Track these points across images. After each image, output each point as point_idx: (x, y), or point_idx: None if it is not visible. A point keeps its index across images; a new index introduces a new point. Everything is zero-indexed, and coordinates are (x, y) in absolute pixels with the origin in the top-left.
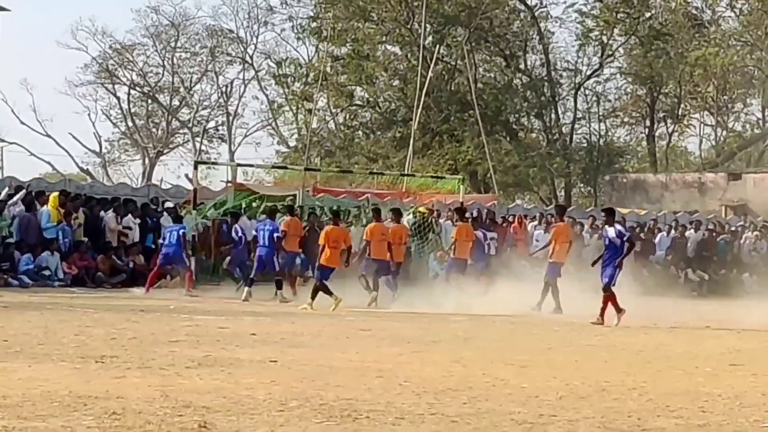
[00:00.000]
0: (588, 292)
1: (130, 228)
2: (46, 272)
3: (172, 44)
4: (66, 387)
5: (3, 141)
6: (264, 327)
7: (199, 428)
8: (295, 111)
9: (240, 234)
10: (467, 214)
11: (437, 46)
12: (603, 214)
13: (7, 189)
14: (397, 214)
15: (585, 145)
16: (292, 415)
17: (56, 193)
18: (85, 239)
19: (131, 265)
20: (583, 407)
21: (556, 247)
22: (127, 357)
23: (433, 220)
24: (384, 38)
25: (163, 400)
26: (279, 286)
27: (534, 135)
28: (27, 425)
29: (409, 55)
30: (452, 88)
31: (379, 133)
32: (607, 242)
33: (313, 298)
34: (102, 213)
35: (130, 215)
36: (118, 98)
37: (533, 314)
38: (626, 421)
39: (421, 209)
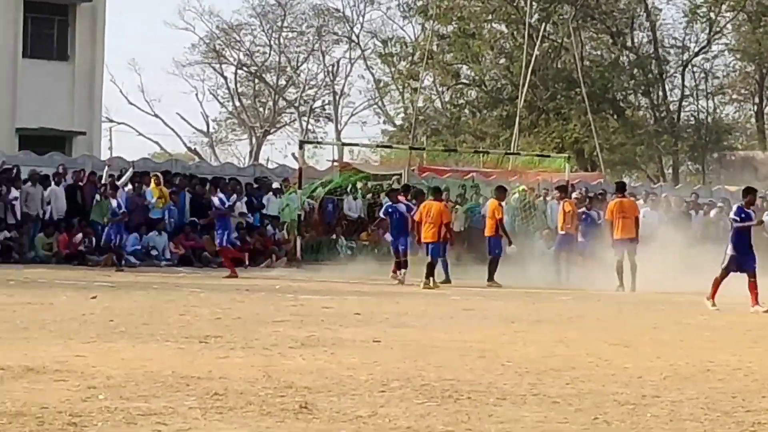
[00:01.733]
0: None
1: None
2: (153, 252)
3: (279, 24)
4: (169, 367)
5: (112, 121)
6: (368, 307)
7: (300, 409)
8: (401, 90)
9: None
10: (575, 194)
11: (543, 24)
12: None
13: (107, 169)
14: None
15: (693, 122)
16: (393, 396)
17: (153, 175)
18: (192, 218)
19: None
20: (686, 388)
21: (618, 224)
22: (231, 337)
23: (536, 198)
24: (490, 16)
25: (265, 381)
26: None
27: (641, 113)
28: (129, 405)
29: (515, 33)
30: (558, 66)
31: (485, 111)
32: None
33: (428, 276)
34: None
35: (235, 195)
36: (225, 78)
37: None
38: (730, 402)
39: (522, 188)
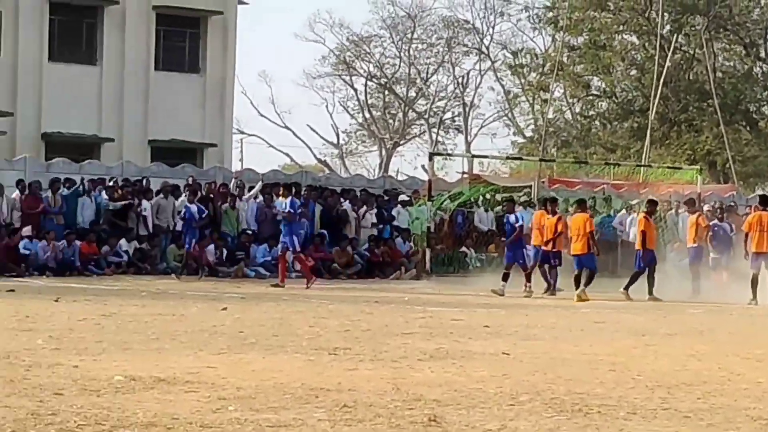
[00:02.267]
0: None
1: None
2: None
3: (409, 35)
4: (298, 379)
5: (243, 133)
6: (497, 319)
7: (429, 422)
8: (531, 101)
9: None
10: (706, 206)
11: (675, 35)
12: None
13: (234, 181)
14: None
15: None
16: (522, 409)
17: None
18: (323, 231)
19: (367, 256)
20: None
21: (756, 238)
22: (360, 349)
23: (668, 211)
24: (621, 27)
25: (394, 393)
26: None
27: None
28: (259, 417)
29: (646, 45)
30: (690, 78)
31: (615, 123)
32: None
33: (585, 285)
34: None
35: (365, 206)
36: (355, 90)
37: (756, 308)
38: None
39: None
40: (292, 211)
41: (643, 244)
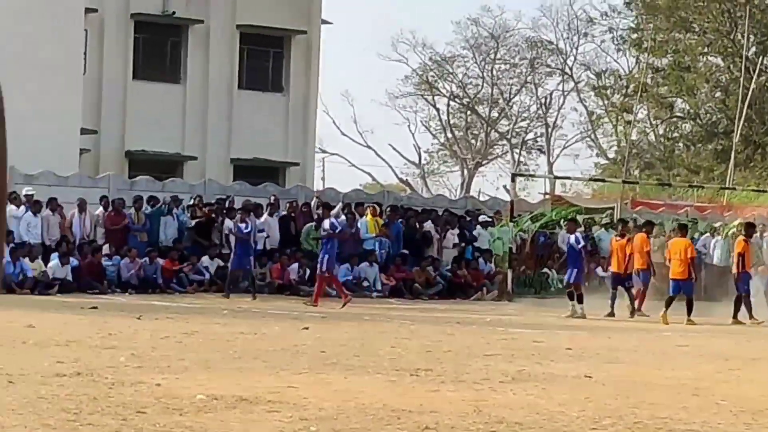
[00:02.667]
0: None
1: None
2: (365, 283)
3: (492, 56)
4: (380, 400)
5: (325, 152)
6: (579, 342)
7: None
8: (614, 123)
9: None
10: None
11: (761, 57)
12: None
13: (315, 201)
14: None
15: None
16: None
17: (375, 206)
18: (403, 249)
19: (449, 277)
20: None
21: None
22: (442, 370)
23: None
24: (706, 49)
25: (475, 415)
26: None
27: None
28: None
29: (731, 67)
30: None
31: (699, 145)
32: None
33: (688, 313)
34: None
35: (447, 227)
36: (437, 110)
37: None
38: None
39: (739, 222)
40: (331, 231)
41: (742, 266)
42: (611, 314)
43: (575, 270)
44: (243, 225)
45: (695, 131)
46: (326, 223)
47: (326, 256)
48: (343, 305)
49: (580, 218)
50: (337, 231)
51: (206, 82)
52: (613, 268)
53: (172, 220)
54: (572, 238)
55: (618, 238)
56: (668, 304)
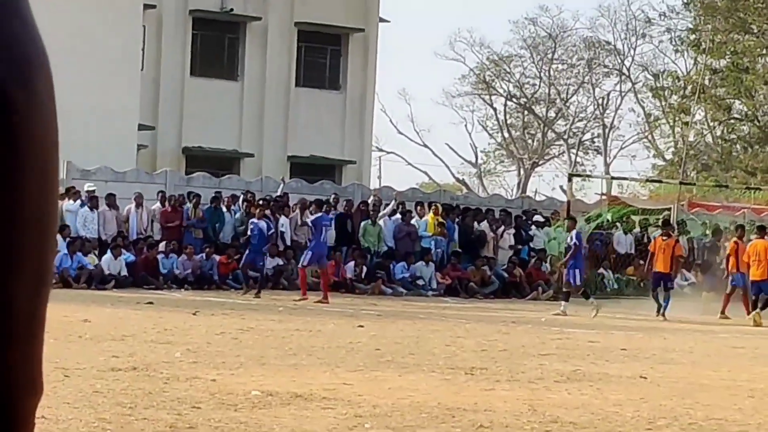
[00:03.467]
0: None
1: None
2: (420, 281)
3: (549, 56)
4: (435, 398)
5: (381, 150)
6: (635, 342)
7: None
8: (671, 124)
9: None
10: None
11: None
12: None
13: (373, 198)
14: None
15: None
16: None
17: (438, 206)
18: (459, 248)
19: (505, 276)
20: None
21: None
22: (497, 369)
23: None
24: (764, 51)
25: (530, 414)
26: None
27: None
28: None
29: None
30: None
31: (757, 147)
32: None
33: (762, 308)
34: (476, 224)
35: (503, 226)
36: (494, 109)
37: None
38: None
39: None
40: (312, 225)
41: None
42: (661, 314)
43: (577, 270)
44: (263, 223)
45: (753, 133)
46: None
47: (310, 253)
48: (299, 300)
49: (635, 219)
50: (320, 225)
51: (263, 80)
52: (657, 267)
53: (230, 217)
54: (569, 237)
55: (664, 237)
56: (754, 306)
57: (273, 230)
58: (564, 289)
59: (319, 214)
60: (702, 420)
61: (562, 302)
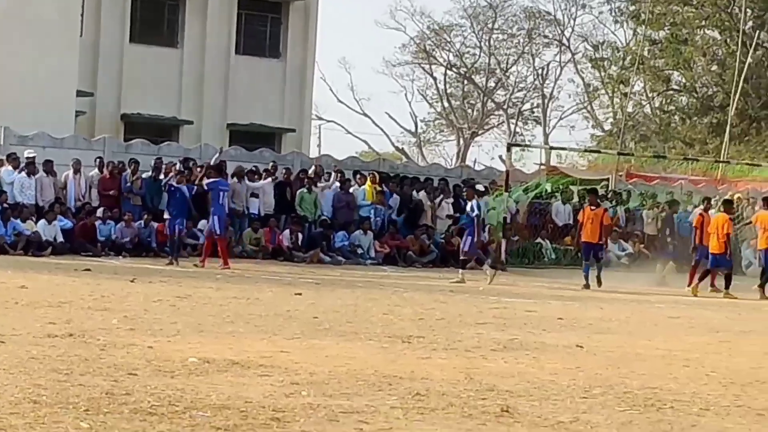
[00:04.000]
0: None
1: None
2: (359, 250)
3: (490, 25)
4: (372, 366)
5: (321, 119)
6: (571, 312)
7: (502, 412)
8: (610, 94)
9: None
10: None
11: (758, 32)
12: None
13: (313, 167)
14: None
15: None
16: (595, 402)
17: (375, 174)
18: (398, 217)
19: (443, 245)
20: None
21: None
22: (434, 338)
23: (747, 207)
24: (703, 22)
25: (467, 383)
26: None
27: None
28: (332, 403)
29: (728, 41)
30: None
31: (695, 118)
32: None
33: (726, 287)
34: (414, 193)
35: (441, 195)
36: (434, 78)
37: None
38: None
39: (738, 196)
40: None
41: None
42: (597, 281)
43: (470, 238)
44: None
45: (691, 104)
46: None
47: (215, 218)
48: (223, 268)
49: (574, 189)
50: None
51: (203, 47)
52: (585, 237)
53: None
54: (468, 206)
55: (593, 207)
56: (703, 277)
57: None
58: (462, 258)
59: (216, 179)
60: (637, 389)
61: (460, 270)
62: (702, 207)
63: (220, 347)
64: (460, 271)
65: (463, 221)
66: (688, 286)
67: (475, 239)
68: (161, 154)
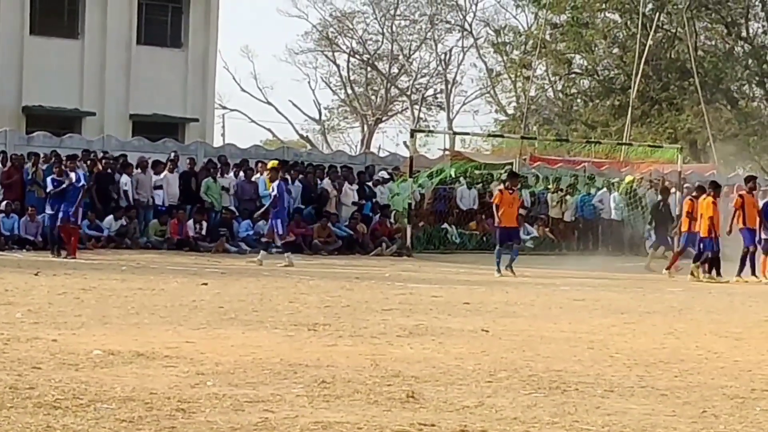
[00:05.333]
0: None
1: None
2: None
3: (392, 12)
4: (277, 354)
5: (224, 108)
6: (477, 296)
7: (407, 398)
8: (513, 79)
9: None
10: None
11: (657, 14)
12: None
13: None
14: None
15: None
16: (500, 386)
17: (274, 162)
18: (302, 205)
19: (349, 233)
20: None
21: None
22: (340, 325)
23: (648, 189)
24: (603, 5)
25: (372, 369)
26: None
27: (755, 103)
28: (237, 392)
29: (628, 23)
30: (672, 56)
31: (597, 101)
32: None
33: (709, 270)
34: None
35: (346, 182)
36: (337, 66)
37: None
38: None
39: (631, 178)
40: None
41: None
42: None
43: (279, 220)
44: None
45: (593, 87)
46: (73, 176)
47: (71, 209)
48: (65, 256)
49: (478, 173)
50: (80, 185)
51: (104, 38)
52: (505, 222)
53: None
54: (272, 187)
55: (511, 191)
56: (702, 262)
57: (84, 183)
58: (264, 240)
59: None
60: (542, 372)
61: (286, 254)
62: (694, 193)
63: (125, 339)
64: (287, 255)
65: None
66: (667, 269)
67: (285, 220)
68: (64, 146)
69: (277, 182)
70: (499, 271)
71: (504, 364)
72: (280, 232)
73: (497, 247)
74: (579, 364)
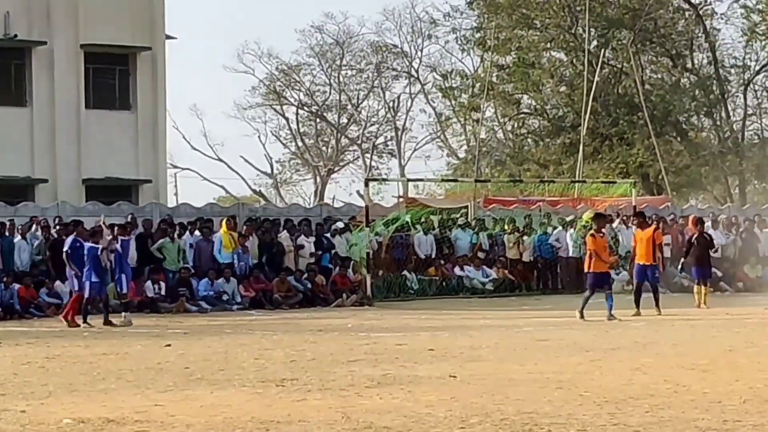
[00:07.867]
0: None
1: (302, 247)
2: (225, 297)
3: (338, 62)
4: (248, 413)
5: (176, 167)
6: (441, 342)
7: None
8: (463, 122)
9: None
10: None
11: (602, 50)
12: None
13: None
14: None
15: (757, 141)
16: None
17: (226, 219)
18: (261, 260)
19: (308, 286)
20: None
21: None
22: (307, 379)
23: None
24: (549, 45)
25: (344, 422)
26: None
27: (704, 134)
28: None
29: (574, 61)
30: (619, 91)
31: (548, 140)
32: None
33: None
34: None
35: (303, 236)
36: (286, 119)
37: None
38: None
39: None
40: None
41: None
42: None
43: (123, 276)
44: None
45: (543, 126)
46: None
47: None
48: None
49: (435, 219)
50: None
51: (53, 104)
52: (594, 268)
53: (26, 244)
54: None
55: (601, 234)
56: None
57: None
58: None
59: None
60: (513, 415)
61: (123, 313)
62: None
63: (93, 406)
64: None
65: None
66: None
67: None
68: (18, 215)
69: (120, 240)
70: (582, 315)
71: (475, 410)
72: (124, 290)
73: (587, 294)
74: (549, 405)
